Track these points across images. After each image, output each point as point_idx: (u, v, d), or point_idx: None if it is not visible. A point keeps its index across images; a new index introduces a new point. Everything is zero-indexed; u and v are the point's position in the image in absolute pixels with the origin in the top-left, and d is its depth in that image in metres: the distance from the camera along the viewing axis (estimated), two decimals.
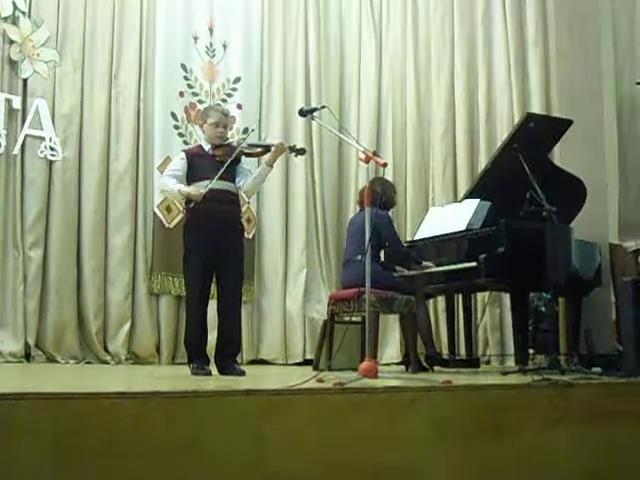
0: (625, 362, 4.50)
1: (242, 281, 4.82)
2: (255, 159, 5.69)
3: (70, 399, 2.30)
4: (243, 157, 4.87)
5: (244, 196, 5.24)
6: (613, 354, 5.54)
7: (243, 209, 5.95)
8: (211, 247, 4.58)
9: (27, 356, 6.30)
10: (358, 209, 6.00)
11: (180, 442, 2.39)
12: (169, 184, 4.71)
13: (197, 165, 4.71)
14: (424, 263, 5.72)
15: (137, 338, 6.83)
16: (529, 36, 8.20)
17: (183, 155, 4.81)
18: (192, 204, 4.60)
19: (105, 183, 6.86)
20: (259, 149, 4.91)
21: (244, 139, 5.07)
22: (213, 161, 4.69)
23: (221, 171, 4.57)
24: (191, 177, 4.69)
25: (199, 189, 4.54)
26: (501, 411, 3.19)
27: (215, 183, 4.57)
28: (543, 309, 5.95)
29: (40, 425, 2.20)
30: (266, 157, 4.88)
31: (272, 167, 4.86)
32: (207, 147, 4.80)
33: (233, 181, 4.76)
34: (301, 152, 5.06)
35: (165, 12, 7.30)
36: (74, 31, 6.85)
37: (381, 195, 5.46)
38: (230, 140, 4.94)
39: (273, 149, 4.79)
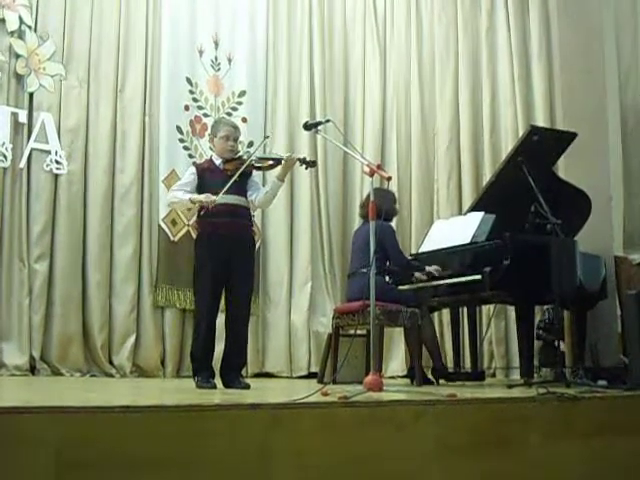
0: (631, 375, 4.50)
1: (251, 295, 4.80)
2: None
3: (75, 413, 2.30)
4: (254, 170, 4.83)
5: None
6: (619, 367, 5.52)
7: None
8: (222, 260, 4.54)
9: (32, 369, 6.30)
10: (362, 222, 6.00)
11: (185, 456, 2.39)
12: (178, 195, 4.69)
13: (207, 179, 4.67)
14: (427, 269, 5.68)
15: (142, 351, 6.82)
16: (533, 50, 8.30)
17: (193, 170, 4.77)
18: (203, 211, 4.57)
19: (110, 196, 6.86)
20: (270, 162, 4.82)
21: (256, 149, 5.04)
22: (224, 175, 4.62)
23: (230, 182, 4.51)
24: (201, 191, 4.64)
25: (211, 196, 4.50)
26: (506, 424, 3.19)
27: (227, 197, 4.54)
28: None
29: (44, 439, 2.20)
30: (277, 171, 4.82)
31: (283, 181, 4.84)
32: (218, 161, 4.75)
33: (244, 195, 4.71)
34: (312, 164, 5.00)
35: (170, 26, 7.32)
36: (80, 45, 6.88)
37: (381, 206, 5.43)
38: (241, 153, 4.91)
39: (284, 162, 4.74)
